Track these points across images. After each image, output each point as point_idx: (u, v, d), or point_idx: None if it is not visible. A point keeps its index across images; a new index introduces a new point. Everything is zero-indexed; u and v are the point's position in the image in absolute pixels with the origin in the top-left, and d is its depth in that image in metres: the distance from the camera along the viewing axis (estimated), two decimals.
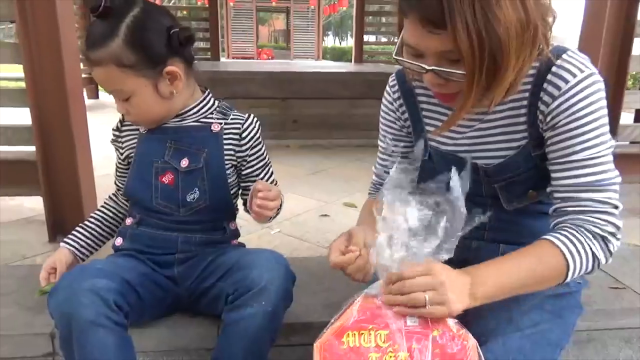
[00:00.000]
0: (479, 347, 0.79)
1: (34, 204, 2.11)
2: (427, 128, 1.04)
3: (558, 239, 0.84)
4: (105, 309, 0.89)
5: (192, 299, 1.16)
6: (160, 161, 1.13)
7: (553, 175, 0.88)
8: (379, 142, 1.16)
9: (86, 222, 1.26)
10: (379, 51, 7.98)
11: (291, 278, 1.08)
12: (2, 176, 1.82)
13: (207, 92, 1.18)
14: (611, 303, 1.34)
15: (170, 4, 10.45)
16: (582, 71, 0.84)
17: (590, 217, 0.84)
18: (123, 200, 1.26)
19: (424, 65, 0.82)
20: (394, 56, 0.88)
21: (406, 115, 1.07)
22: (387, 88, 1.10)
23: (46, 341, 1.17)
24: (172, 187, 1.13)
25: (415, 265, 0.78)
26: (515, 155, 0.93)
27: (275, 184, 1.23)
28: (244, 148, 1.17)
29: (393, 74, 1.09)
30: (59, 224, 1.84)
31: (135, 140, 1.16)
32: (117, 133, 1.21)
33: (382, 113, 1.12)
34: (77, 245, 1.22)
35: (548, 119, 0.87)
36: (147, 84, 1.04)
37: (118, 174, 1.24)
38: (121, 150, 1.20)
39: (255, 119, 1.19)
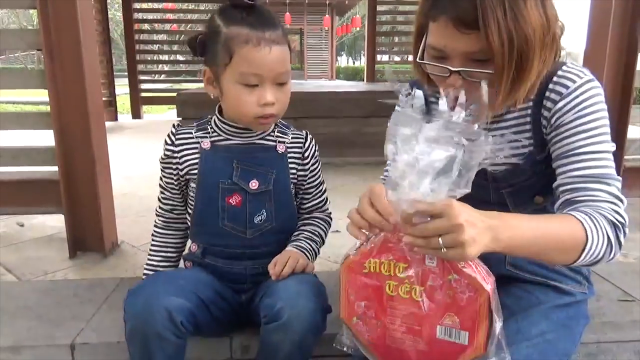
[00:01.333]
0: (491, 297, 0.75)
1: (55, 222, 2.19)
2: None
3: (579, 214, 0.81)
4: (173, 327, 0.95)
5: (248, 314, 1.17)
6: (227, 182, 1.10)
7: (560, 170, 0.89)
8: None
9: (155, 267, 1.20)
10: (392, 70, 8.04)
11: (321, 310, 1.01)
12: (26, 195, 1.89)
13: None
14: (621, 315, 1.34)
15: (187, 28, 10.72)
16: (581, 77, 0.90)
17: (602, 205, 0.84)
18: (179, 224, 1.21)
19: (449, 67, 0.85)
20: (417, 60, 0.93)
21: None
22: (401, 96, 1.13)
23: (66, 352, 1.22)
24: (240, 209, 1.11)
25: (431, 206, 0.71)
26: (522, 161, 0.96)
27: (327, 201, 1.28)
28: (306, 167, 1.19)
29: (407, 83, 1.12)
30: (79, 241, 1.90)
31: (196, 157, 1.11)
32: (172, 148, 1.13)
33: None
34: None
35: (552, 120, 0.91)
36: None
37: (170, 193, 1.17)
38: (179, 167, 1.13)
39: (311, 136, 1.21)
